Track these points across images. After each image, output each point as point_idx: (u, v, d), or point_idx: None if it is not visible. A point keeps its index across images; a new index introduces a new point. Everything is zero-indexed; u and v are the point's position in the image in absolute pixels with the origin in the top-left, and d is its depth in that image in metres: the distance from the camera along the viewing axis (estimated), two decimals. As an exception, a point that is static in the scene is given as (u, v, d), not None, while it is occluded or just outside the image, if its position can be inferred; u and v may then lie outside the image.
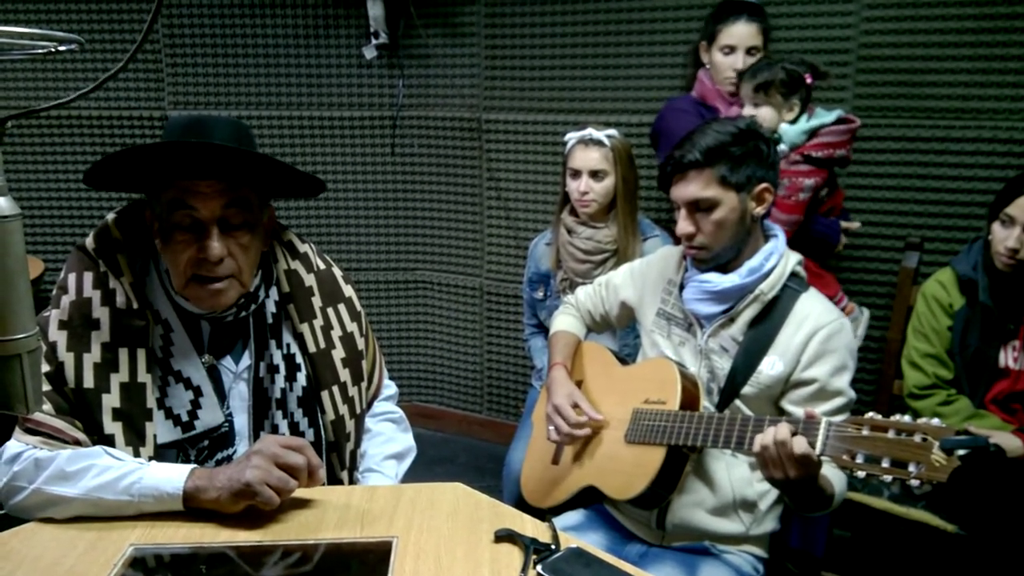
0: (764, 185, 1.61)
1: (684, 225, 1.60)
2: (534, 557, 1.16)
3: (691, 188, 1.58)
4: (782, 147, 2.18)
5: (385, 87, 3.38)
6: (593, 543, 1.42)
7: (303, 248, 1.55)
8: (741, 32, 2.41)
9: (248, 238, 1.37)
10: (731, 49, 2.42)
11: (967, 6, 2.50)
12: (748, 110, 2.25)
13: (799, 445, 1.31)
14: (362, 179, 3.48)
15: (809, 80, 2.21)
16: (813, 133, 2.22)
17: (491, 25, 3.19)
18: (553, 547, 1.19)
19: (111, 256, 1.38)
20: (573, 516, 1.78)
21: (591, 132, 2.42)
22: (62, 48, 0.99)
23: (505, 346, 3.50)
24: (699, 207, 1.59)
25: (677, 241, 2.40)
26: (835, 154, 2.22)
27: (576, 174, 2.42)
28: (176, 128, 1.36)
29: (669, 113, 2.54)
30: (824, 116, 2.24)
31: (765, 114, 2.22)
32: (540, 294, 2.62)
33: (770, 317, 1.60)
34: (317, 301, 1.52)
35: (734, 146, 1.57)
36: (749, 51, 2.42)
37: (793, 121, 2.23)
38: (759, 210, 1.62)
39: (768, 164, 1.61)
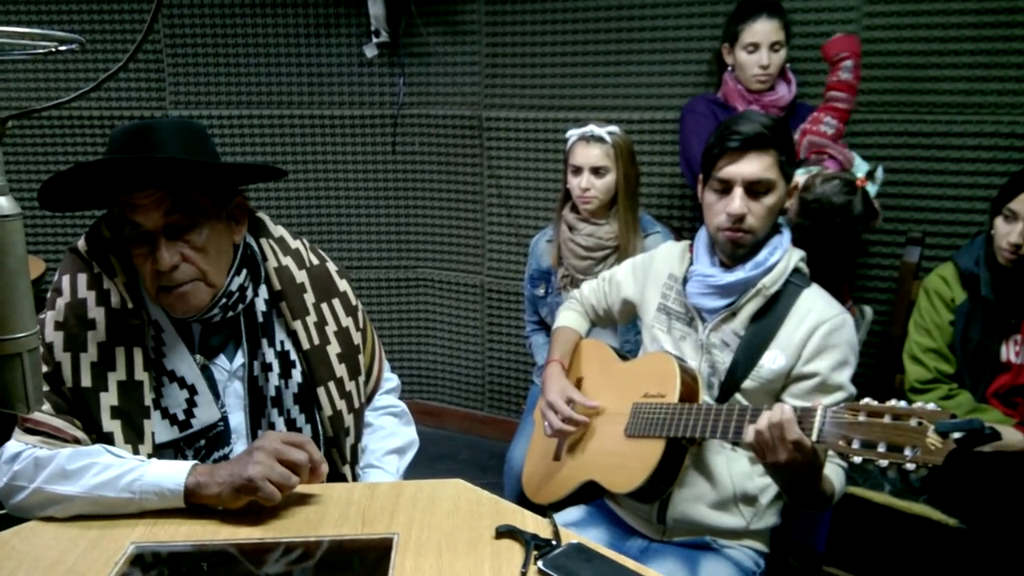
0: (795, 182, 1.63)
1: (740, 205, 1.55)
2: (535, 553, 1.16)
3: (754, 167, 1.55)
4: None
5: (386, 85, 3.38)
6: (594, 539, 1.43)
7: (295, 244, 1.54)
8: (763, 29, 2.44)
9: (203, 238, 1.35)
10: (755, 47, 2.45)
11: (968, 1, 2.50)
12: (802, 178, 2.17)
13: (791, 430, 1.32)
14: (363, 177, 3.48)
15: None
16: None
17: (492, 23, 3.19)
18: (554, 543, 1.19)
19: (104, 257, 1.38)
20: (574, 512, 1.79)
21: (592, 129, 2.42)
22: (62, 48, 0.99)
23: (506, 343, 3.50)
24: (756, 188, 1.56)
25: (678, 237, 2.42)
26: None
27: (577, 171, 2.42)
28: (117, 139, 1.32)
29: (685, 115, 2.60)
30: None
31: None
32: (541, 291, 2.62)
33: (772, 312, 1.60)
34: (310, 297, 1.51)
35: (785, 134, 1.58)
36: (772, 47, 2.44)
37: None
38: (788, 204, 1.63)
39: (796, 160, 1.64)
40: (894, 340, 2.38)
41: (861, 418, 1.25)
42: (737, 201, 1.56)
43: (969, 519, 2.01)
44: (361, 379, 1.58)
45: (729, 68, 2.57)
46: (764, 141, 1.54)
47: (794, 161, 1.61)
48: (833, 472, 1.52)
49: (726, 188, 1.58)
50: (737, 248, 1.61)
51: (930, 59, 2.57)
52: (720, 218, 1.59)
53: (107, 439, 1.32)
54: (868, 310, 2.50)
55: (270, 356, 1.46)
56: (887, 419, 1.22)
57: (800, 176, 2.16)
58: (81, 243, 1.40)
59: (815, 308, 1.58)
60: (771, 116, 1.60)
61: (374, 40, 3.24)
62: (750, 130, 1.54)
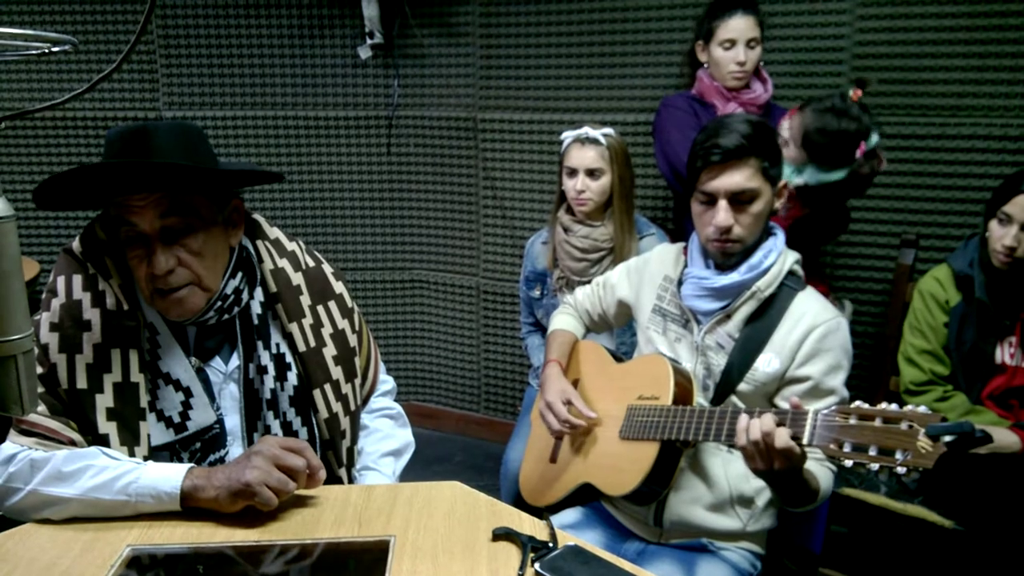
0: (784, 181, 1.63)
1: (726, 217, 1.56)
2: (532, 555, 1.16)
3: (736, 178, 1.55)
4: (797, 180, 2.12)
5: (380, 87, 3.38)
6: (591, 541, 1.42)
7: (291, 246, 1.54)
8: (739, 25, 2.41)
9: (199, 242, 1.35)
10: (731, 43, 2.42)
11: (961, 3, 2.51)
12: (785, 121, 2.18)
13: (781, 438, 1.32)
14: (358, 179, 3.48)
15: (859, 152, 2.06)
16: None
17: (486, 24, 3.19)
18: (551, 545, 1.19)
19: (98, 258, 1.38)
20: (571, 514, 1.78)
21: (587, 131, 2.42)
22: (56, 49, 0.98)
23: (502, 345, 3.50)
24: (741, 199, 1.56)
25: (673, 239, 2.42)
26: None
27: (572, 173, 2.42)
28: (114, 142, 1.32)
29: (662, 111, 2.55)
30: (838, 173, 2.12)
31: (788, 148, 2.13)
32: (537, 293, 2.62)
33: (767, 314, 1.60)
34: (306, 299, 1.51)
35: (767, 138, 1.58)
36: (749, 43, 2.42)
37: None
38: (777, 205, 1.63)
39: (782, 160, 1.64)
40: (888, 342, 2.39)
41: (852, 421, 1.25)
42: (722, 214, 1.56)
43: (965, 521, 2.02)
44: (357, 381, 1.58)
45: (704, 66, 2.54)
46: (744, 151, 1.54)
47: (779, 162, 1.62)
48: (818, 467, 1.52)
49: (711, 200, 1.59)
50: (727, 257, 1.62)
51: (923, 62, 2.58)
52: (708, 230, 1.60)
53: (103, 441, 1.31)
54: (848, 304, 2.50)
55: (265, 359, 1.45)
56: (878, 422, 1.22)
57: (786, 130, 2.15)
58: (75, 244, 1.40)
59: (810, 311, 1.59)
60: (751, 120, 1.59)
61: (368, 41, 3.24)
62: (730, 142, 1.54)
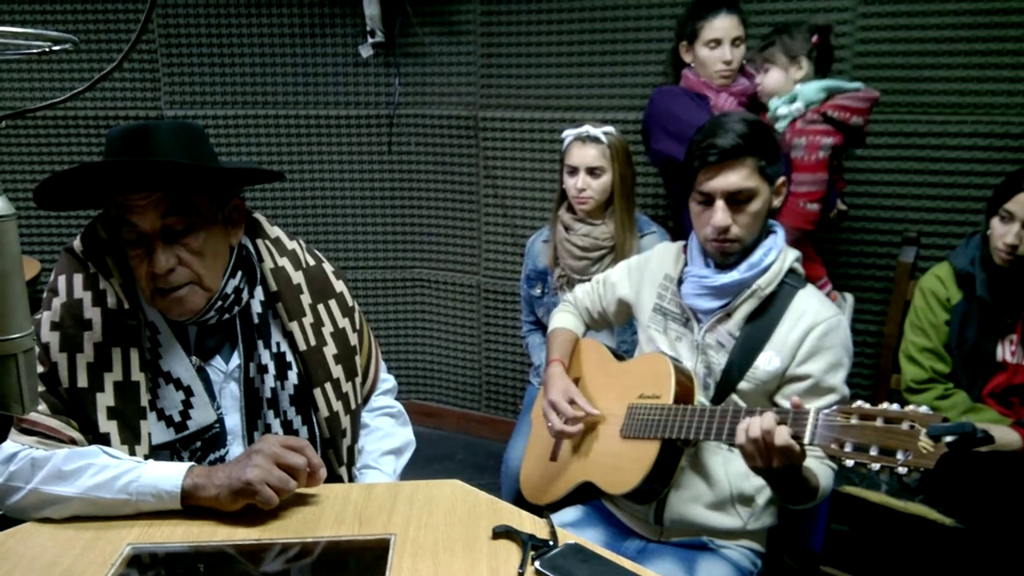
0: (782, 179, 1.64)
1: (723, 217, 1.56)
2: (532, 553, 1.16)
3: (733, 178, 1.56)
4: (798, 105, 2.23)
5: (381, 85, 3.38)
6: (591, 539, 1.43)
7: (291, 245, 1.54)
8: (724, 25, 2.42)
9: (200, 242, 1.35)
10: (717, 43, 2.42)
11: (962, 1, 2.51)
12: (760, 76, 2.35)
13: (781, 436, 1.32)
14: (359, 177, 3.48)
15: (815, 40, 2.27)
16: (831, 95, 2.25)
17: (487, 23, 3.19)
18: (551, 543, 1.19)
19: (99, 257, 1.38)
20: (571, 512, 1.79)
21: (588, 129, 2.42)
22: (56, 48, 0.98)
23: (503, 343, 3.50)
24: (738, 198, 1.57)
25: (674, 237, 2.42)
26: (851, 119, 2.21)
27: (573, 171, 2.42)
28: (115, 141, 1.31)
29: (660, 97, 2.53)
30: (844, 83, 2.29)
31: (772, 77, 2.31)
32: (537, 291, 2.62)
33: (767, 313, 1.60)
34: (306, 298, 1.51)
35: (763, 136, 1.58)
36: (734, 42, 2.42)
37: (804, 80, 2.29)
38: (776, 203, 1.64)
39: (780, 158, 1.64)
40: (889, 340, 2.39)
41: (853, 421, 1.25)
42: (719, 214, 1.57)
43: (966, 519, 2.02)
44: (358, 380, 1.58)
45: (689, 66, 2.53)
46: (741, 151, 1.55)
47: (777, 160, 1.62)
48: (818, 465, 1.52)
49: (708, 200, 1.59)
50: (726, 256, 1.62)
51: (925, 59, 2.58)
52: (706, 230, 1.60)
53: (103, 440, 1.31)
54: (849, 296, 2.50)
55: (266, 358, 1.45)
56: (879, 422, 1.22)
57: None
58: (76, 243, 1.40)
59: (810, 309, 1.59)
60: (748, 119, 1.60)
61: (369, 40, 3.24)
62: (726, 142, 1.54)
